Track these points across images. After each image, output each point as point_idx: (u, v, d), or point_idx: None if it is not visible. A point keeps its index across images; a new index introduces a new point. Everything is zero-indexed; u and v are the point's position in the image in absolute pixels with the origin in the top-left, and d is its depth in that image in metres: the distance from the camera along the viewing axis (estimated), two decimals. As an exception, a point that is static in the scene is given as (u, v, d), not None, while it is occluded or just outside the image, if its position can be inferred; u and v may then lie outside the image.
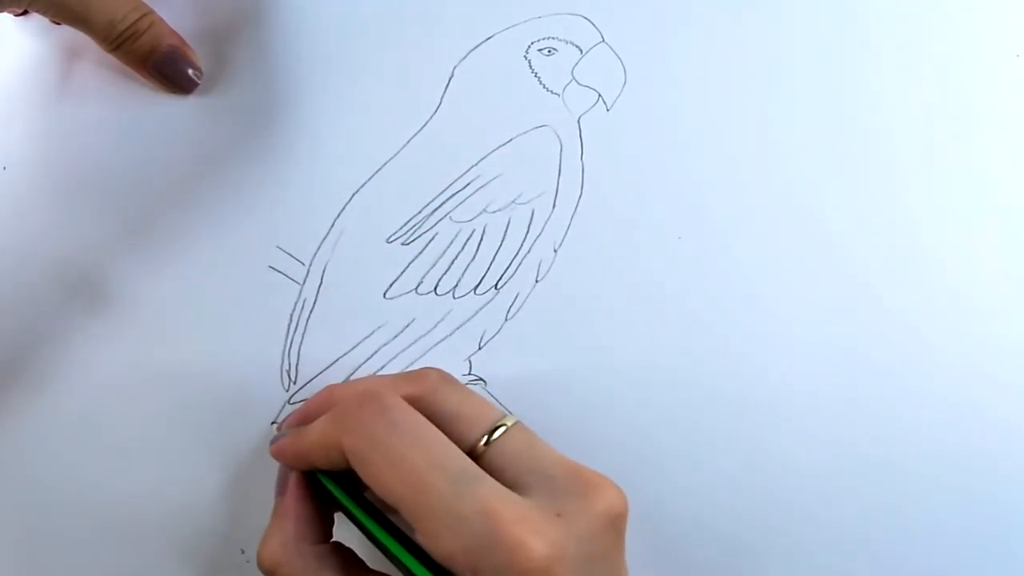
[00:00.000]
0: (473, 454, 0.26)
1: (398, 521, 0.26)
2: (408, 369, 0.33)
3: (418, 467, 0.24)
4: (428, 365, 0.30)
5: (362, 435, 0.26)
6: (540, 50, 0.35)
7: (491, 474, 0.25)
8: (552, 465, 0.26)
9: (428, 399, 0.27)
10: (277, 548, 0.27)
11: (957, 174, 0.35)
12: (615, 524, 0.25)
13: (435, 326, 0.33)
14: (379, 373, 0.33)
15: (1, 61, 0.36)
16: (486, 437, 0.26)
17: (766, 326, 0.34)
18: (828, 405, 0.33)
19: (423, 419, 0.26)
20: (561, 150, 0.34)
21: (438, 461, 0.25)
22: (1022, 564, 0.33)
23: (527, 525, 0.23)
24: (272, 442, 0.30)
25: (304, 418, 0.30)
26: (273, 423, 0.33)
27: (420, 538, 0.24)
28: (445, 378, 0.29)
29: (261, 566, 0.27)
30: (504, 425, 0.26)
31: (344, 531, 0.29)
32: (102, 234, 0.34)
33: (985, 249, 0.34)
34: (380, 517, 0.27)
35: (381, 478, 0.25)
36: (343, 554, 0.28)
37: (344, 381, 0.33)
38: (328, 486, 0.28)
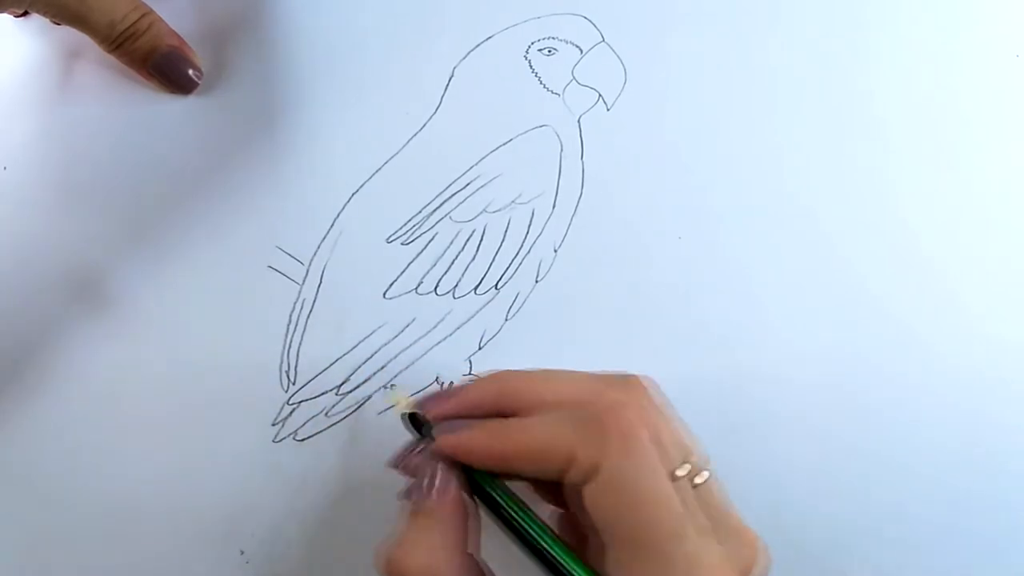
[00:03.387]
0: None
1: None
2: (409, 369, 0.33)
3: (675, 510, 0.23)
4: (637, 373, 0.27)
5: (636, 457, 0.23)
6: (540, 50, 0.35)
7: None
8: (735, 521, 0.25)
9: (653, 419, 0.25)
10: (425, 555, 0.24)
11: (957, 174, 0.35)
12: None
13: (435, 326, 0.33)
14: (379, 373, 0.33)
15: (2, 62, 0.36)
16: (689, 472, 0.25)
17: (766, 325, 0.34)
18: (828, 404, 0.33)
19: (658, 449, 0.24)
20: (561, 150, 0.34)
21: (688, 506, 0.23)
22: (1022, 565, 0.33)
23: None
24: (432, 435, 0.26)
25: (472, 407, 0.26)
26: (273, 424, 0.33)
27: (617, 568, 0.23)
28: (656, 391, 0.26)
29: (405, 574, 0.24)
30: (707, 470, 0.25)
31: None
32: (102, 234, 0.34)
33: (986, 249, 0.34)
34: (547, 529, 0.25)
35: (630, 511, 0.23)
36: (485, 568, 0.26)
37: (530, 370, 0.27)
38: (493, 492, 0.25)
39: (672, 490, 0.23)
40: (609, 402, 0.25)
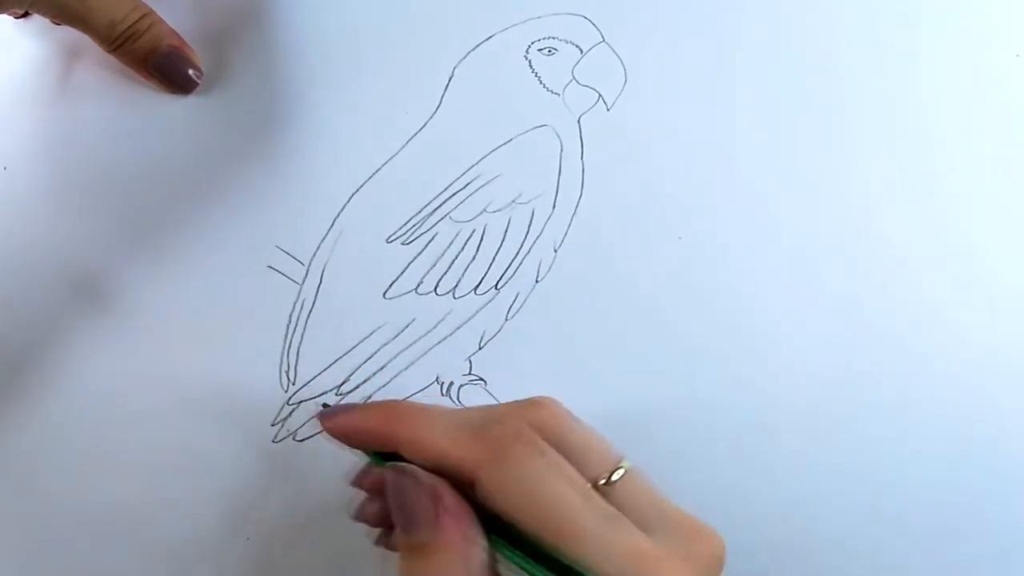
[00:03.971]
0: (597, 487, 0.25)
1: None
2: (409, 369, 0.33)
3: (571, 507, 0.23)
4: (543, 395, 0.27)
5: (517, 467, 0.24)
6: (540, 50, 0.35)
7: None
8: (670, 511, 0.26)
9: (554, 430, 0.26)
10: None
11: (957, 174, 0.35)
12: (720, 570, 0.26)
13: (435, 326, 0.33)
14: (379, 373, 0.33)
15: (2, 62, 0.36)
16: (608, 476, 0.26)
17: (766, 325, 0.33)
18: (829, 404, 0.33)
19: (558, 456, 0.25)
20: (561, 150, 0.34)
21: (588, 501, 0.24)
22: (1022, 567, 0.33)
23: (669, 565, 0.24)
24: (323, 416, 0.27)
25: (357, 429, 0.27)
26: (273, 424, 0.33)
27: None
28: (566, 411, 0.27)
29: None
30: (623, 468, 0.26)
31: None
32: (102, 234, 0.34)
33: (986, 250, 0.34)
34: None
35: (529, 513, 0.23)
36: None
37: (414, 401, 0.29)
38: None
39: (562, 491, 0.24)
40: (490, 417, 0.26)
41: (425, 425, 0.25)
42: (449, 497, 0.24)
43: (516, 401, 0.27)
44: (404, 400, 0.29)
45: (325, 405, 0.30)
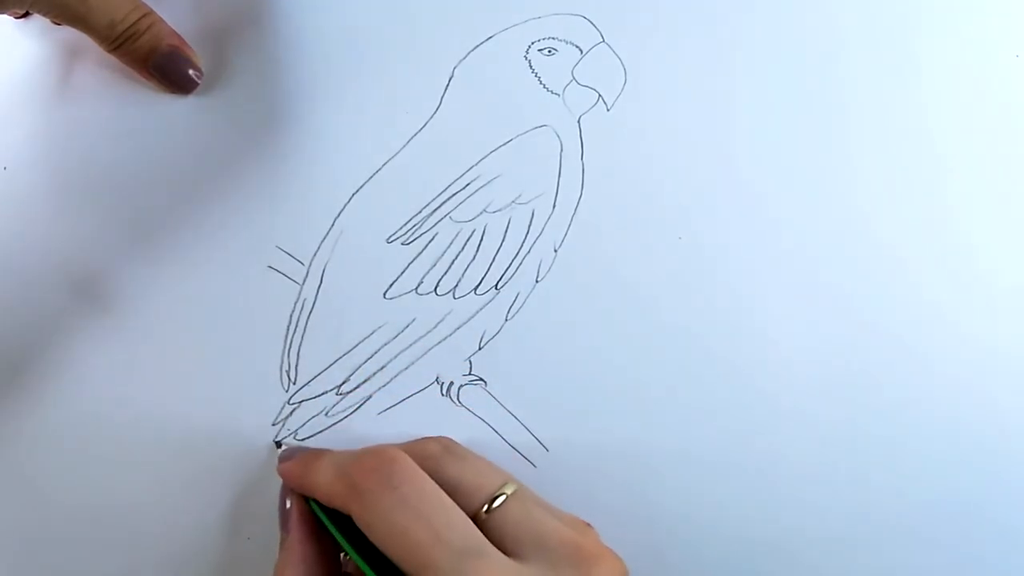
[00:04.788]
0: (477, 520, 0.27)
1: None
2: (409, 369, 0.33)
3: (422, 542, 0.25)
4: (436, 436, 0.30)
5: (369, 506, 0.26)
6: (540, 50, 0.35)
7: (493, 541, 0.26)
8: (550, 535, 0.26)
9: (433, 466, 0.27)
10: None
11: (957, 175, 0.35)
12: None
13: (435, 326, 0.33)
14: (379, 373, 0.33)
15: (2, 62, 0.36)
16: (487, 505, 0.27)
17: (766, 326, 0.34)
18: (828, 404, 0.33)
19: (431, 486, 0.26)
20: (561, 150, 0.34)
21: (442, 535, 0.25)
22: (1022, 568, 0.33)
23: None
24: (281, 459, 0.30)
25: (285, 474, 0.30)
26: (274, 424, 0.33)
27: None
28: (448, 446, 0.29)
29: None
30: (504, 494, 0.27)
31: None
32: (102, 234, 0.34)
33: (986, 250, 0.34)
34: (378, 560, 0.27)
35: (388, 549, 0.25)
36: None
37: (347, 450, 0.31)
38: (331, 529, 0.28)
39: (410, 526, 0.25)
40: (354, 456, 0.28)
41: (315, 472, 0.28)
42: (295, 509, 0.29)
43: (407, 442, 0.29)
44: (322, 449, 0.31)
45: (277, 443, 0.32)
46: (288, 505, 0.30)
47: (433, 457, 0.28)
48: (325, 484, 0.28)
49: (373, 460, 0.27)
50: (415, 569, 0.25)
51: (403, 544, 0.25)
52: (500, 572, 0.25)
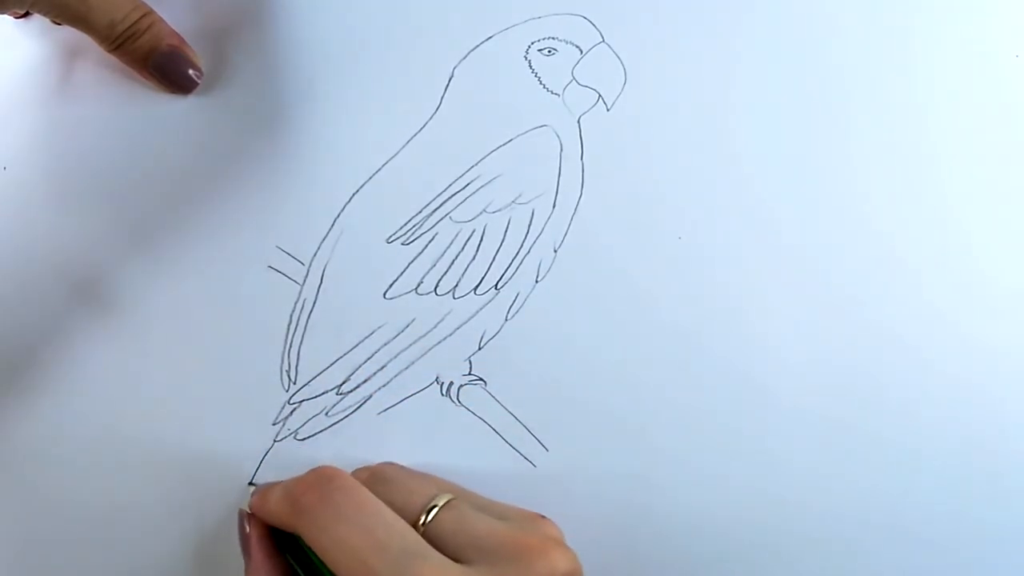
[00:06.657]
0: (418, 529, 0.27)
1: None
2: (409, 369, 0.33)
3: (360, 551, 0.26)
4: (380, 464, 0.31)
5: (310, 522, 0.27)
6: (540, 50, 0.35)
7: (436, 547, 0.26)
8: (486, 537, 0.27)
9: (369, 483, 0.28)
10: None
11: (957, 175, 0.35)
12: None
13: (435, 326, 0.33)
14: (379, 373, 0.33)
15: (2, 62, 0.36)
16: (422, 519, 0.27)
17: (766, 325, 0.34)
18: (828, 404, 0.33)
19: (369, 498, 0.27)
20: (561, 150, 0.34)
21: (380, 543, 0.26)
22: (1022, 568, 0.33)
23: None
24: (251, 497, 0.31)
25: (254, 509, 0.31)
26: (274, 423, 0.33)
27: None
28: (376, 472, 0.30)
29: None
30: (435, 506, 0.28)
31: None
32: (102, 234, 0.34)
33: (986, 250, 0.34)
34: None
35: (331, 562, 0.26)
36: None
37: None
38: (280, 550, 0.30)
39: (347, 536, 0.26)
40: (303, 478, 0.29)
41: (266, 499, 0.29)
42: (255, 533, 0.30)
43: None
44: (276, 482, 0.31)
45: (252, 484, 0.33)
46: (247, 530, 0.30)
47: (373, 473, 0.30)
48: (274, 506, 0.29)
49: (312, 478, 0.28)
50: None
51: (344, 554, 0.26)
52: (441, 570, 0.25)
